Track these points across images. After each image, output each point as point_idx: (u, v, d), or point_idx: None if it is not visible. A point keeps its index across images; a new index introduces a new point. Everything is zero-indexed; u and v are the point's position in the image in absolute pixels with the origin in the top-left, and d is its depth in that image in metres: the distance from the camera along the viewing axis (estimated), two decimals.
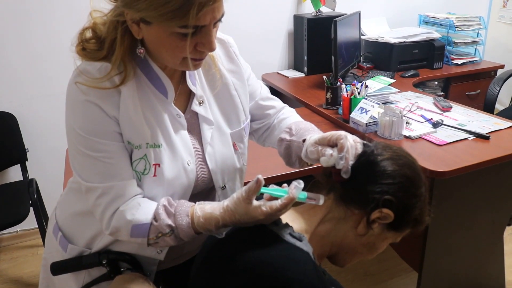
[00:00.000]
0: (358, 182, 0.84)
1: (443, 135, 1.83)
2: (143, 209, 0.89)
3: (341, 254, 0.90)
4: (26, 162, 2.44)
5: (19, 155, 2.42)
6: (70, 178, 1.10)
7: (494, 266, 2.03)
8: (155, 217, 0.88)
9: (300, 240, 0.81)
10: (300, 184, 0.82)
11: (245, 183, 1.14)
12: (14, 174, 2.52)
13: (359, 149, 0.86)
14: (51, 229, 1.12)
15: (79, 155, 0.90)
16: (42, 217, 2.24)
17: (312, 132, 1.01)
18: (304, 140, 0.98)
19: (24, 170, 2.44)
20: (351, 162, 0.83)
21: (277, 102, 1.19)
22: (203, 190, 1.04)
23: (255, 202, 0.81)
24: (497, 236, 1.97)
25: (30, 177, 2.42)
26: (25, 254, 2.57)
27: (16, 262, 2.52)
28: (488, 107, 2.79)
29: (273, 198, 0.82)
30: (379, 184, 0.82)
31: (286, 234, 0.82)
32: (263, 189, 0.81)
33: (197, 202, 0.90)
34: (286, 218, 0.87)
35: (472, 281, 1.99)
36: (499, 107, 3.30)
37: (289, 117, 1.14)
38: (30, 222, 2.31)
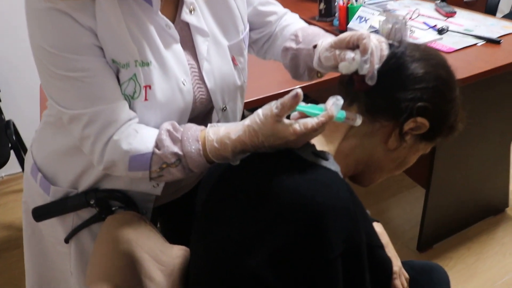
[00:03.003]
0: (385, 90, 0.71)
1: (450, 41, 1.71)
2: (141, 136, 0.75)
3: (367, 172, 0.80)
4: None
5: None
6: (45, 111, 0.95)
7: (500, 178, 1.99)
8: (157, 145, 0.75)
9: (325, 159, 0.69)
10: (339, 100, 0.67)
11: (246, 104, 1.01)
12: None
13: (385, 50, 0.72)
14: (28, 170, 0.99)
15: (54, 79, 0.74)
16: (24, 160, 2.11)
17: (323, 37, 0.86)
18: (315, 46, 0.83)
19: None
20: (377, 66, 0.70)
21: (278, 7, 1.04)
22: (200, 114, 0.90)
23: (286, 120, 0.66)
24: (505, 148, 1.91)
25: (6, 119, 2.25)
26: (14, 199, 2.47)
27: (5, 207, 2.42)
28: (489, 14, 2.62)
29: (304, 117, 0.68)
30: (411, 90, 0.70)
31: (309, 154, 0.69)
32: (298, 107, 0.66)
33: (209, 125, 0.76)
34: None
35: (477, 193, 1.95)
36: (498, 16, 3.13)
37: (293, 23, 0.99)
38: (14, 166, 2.21)
